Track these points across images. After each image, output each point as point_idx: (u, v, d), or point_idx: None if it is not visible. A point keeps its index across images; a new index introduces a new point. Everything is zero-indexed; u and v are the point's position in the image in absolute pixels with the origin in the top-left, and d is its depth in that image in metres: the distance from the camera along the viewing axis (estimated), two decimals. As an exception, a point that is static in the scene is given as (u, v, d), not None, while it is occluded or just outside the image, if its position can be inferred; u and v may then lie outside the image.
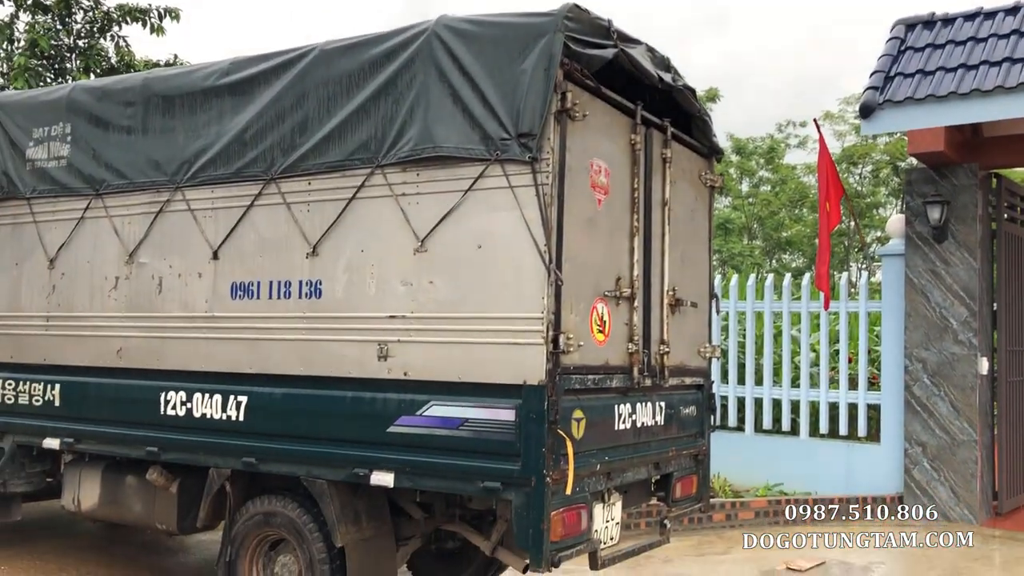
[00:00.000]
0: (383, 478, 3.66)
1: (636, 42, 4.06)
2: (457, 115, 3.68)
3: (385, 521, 4.02)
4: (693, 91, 4.59)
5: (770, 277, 8.17)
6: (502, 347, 3.48)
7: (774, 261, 38.33)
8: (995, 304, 7.31)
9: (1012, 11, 6.91)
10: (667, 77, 4.25)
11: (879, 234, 35.58)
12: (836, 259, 35.51)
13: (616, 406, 3.86)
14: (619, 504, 4.03)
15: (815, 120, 7.53)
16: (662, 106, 4.40)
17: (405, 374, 3.66)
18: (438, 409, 3.58)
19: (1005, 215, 7.39)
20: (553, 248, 3.42)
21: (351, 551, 3.83)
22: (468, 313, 3.58)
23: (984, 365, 7.07)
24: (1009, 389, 7.32)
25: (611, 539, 3.94)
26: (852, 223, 28.86)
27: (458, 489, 3.70)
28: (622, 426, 3.90)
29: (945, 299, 7.08)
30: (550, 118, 3.46)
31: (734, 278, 8.36)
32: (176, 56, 10.02)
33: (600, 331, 3.75)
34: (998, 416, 7.23)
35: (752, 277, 8.35)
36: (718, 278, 8.45)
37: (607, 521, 3.90)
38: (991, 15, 6.99)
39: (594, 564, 3.75)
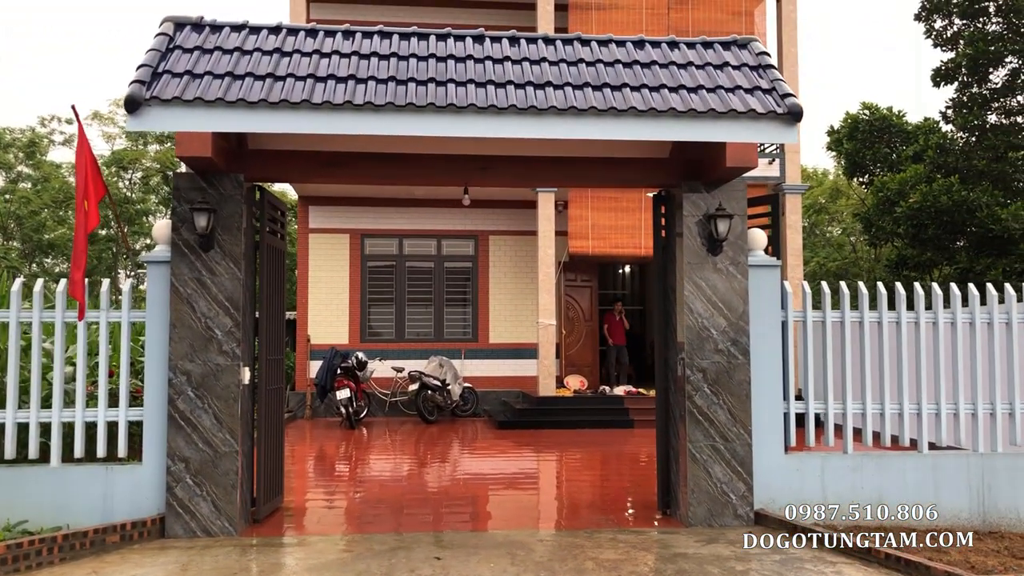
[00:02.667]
0: None
1: None
2: None
3: None
4: None
5: (17, 282, 7.04)
6: None
7: (35, 265, 35.00)
8: (258, 314, 7.47)
9: (275, 30, 7.16)
10: None
11: (148, 241, 35.24)
12: (104, 265, 34.03)
13: None
14: None
15: (73, 107, 6.73)
16: None
17: None
18: None
19: (267, 228, 7.61)
20: None
21: None
22: None
23: (247, 375, 7.15)
24: (268, 396, 7.55)
25: None
26: (117, 228, 27.90)
27: None
28: None
29: (211, 309, 6.96)
30: None
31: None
32: None
33: None
34: (258, 424, 7.39)
35: (-5, 282, 7.11)
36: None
37: None
38: (256, 30, 7.14)
39: None
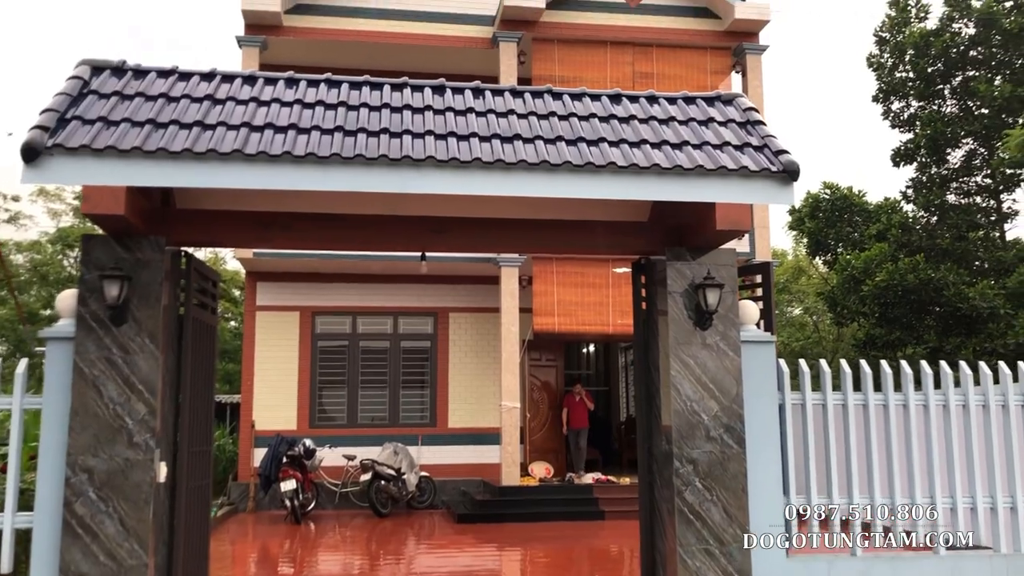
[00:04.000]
0: None
1: None
2: None
3: None
4: None
5: None
6: None
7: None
8: (180, 398, 6.44)
9: (208, 76, 6.33)
10: None
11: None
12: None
13: None
14: None
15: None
16: None
17: None
18: None
19: (195, 299, 6.65)
20: None
21: None
22: None
23: (163, 471, 6.08)
24: (190, 496, 6.46)
25: None
26: (11, 296, 26.30)
27: None
28: None
29: (121, 393, 5.92)
30: None
31: None
32: None
33: None
34: (176, 529, 6.27)
35: None
36: None
37: None
38: (187, 76, 6.30)
39: None
